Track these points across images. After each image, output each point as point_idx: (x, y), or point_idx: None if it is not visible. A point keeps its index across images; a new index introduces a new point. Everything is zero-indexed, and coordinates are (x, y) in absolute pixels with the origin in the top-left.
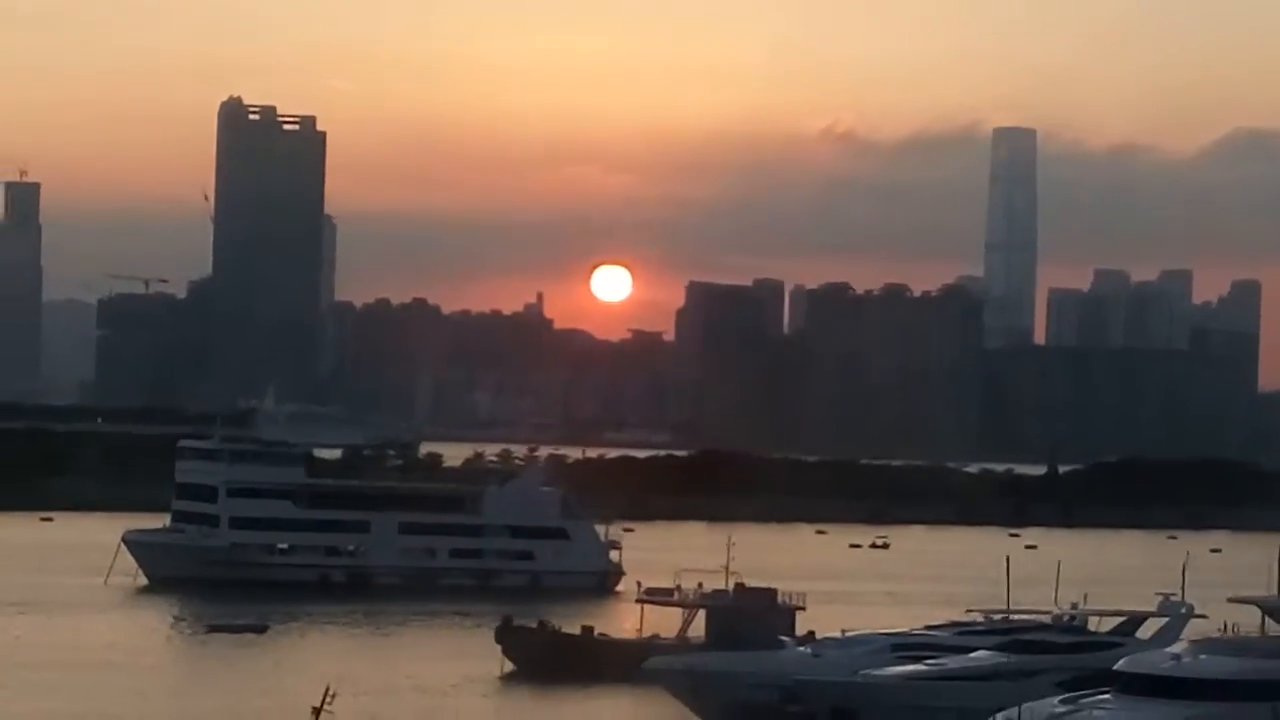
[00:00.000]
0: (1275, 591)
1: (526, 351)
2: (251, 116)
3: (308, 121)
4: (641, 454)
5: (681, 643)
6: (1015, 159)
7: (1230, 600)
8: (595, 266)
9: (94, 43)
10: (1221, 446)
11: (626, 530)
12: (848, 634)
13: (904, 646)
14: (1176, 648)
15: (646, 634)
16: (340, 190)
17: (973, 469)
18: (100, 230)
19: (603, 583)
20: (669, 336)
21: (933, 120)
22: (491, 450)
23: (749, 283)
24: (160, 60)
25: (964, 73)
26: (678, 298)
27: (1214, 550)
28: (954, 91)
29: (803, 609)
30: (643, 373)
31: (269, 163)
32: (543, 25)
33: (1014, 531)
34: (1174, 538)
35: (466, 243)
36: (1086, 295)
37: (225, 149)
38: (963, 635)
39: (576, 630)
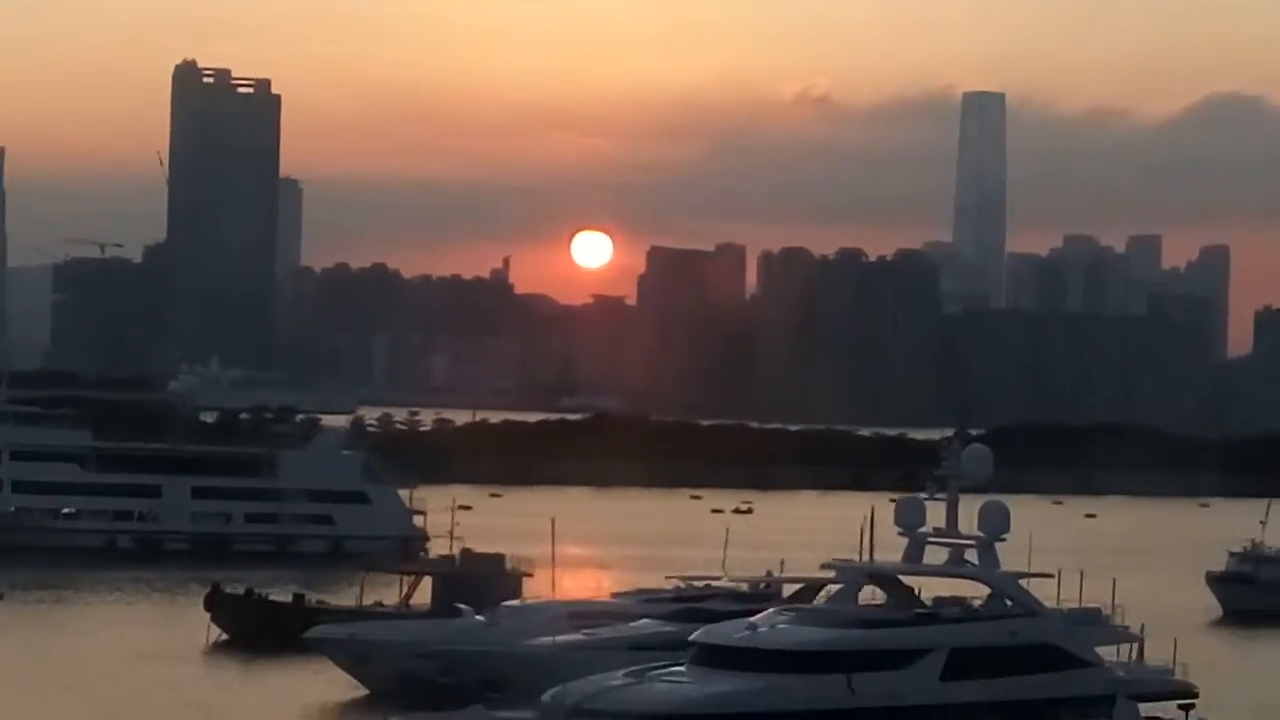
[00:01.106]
0: (902, 557)
1: (486, 317)
2: (205, 79)
3: (262, 84)
4: (533, 418)
5: (401, 609)
6: (984, 124)
7: (823, 567)
8: (571, 232)
9: (48, 7)
10: (1174, 412)
11: (494, 495)
12: (526, 602)
13: (579, 614)
14: (759, 617)
15: (368, 602)
16: (307, 154)
17: (866, 433)
18: (58, 195)
19: (405, 548)
20: (631, 301)
21: (908, 85)
22: (447, 414)
23: (711, 248)
24: (117, 24)
25: (940, 37)
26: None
27: (1089, 515)
28: (930, 56)
29: (530, 575)
30: (602, 338)
31: (223, 125)
32: None
33: (894, 497)
34: (1059, 503)
35: (436, 207)
36: (1045, 260)
37: (179, 112)
38: (645, 603)
39: (288, 598)
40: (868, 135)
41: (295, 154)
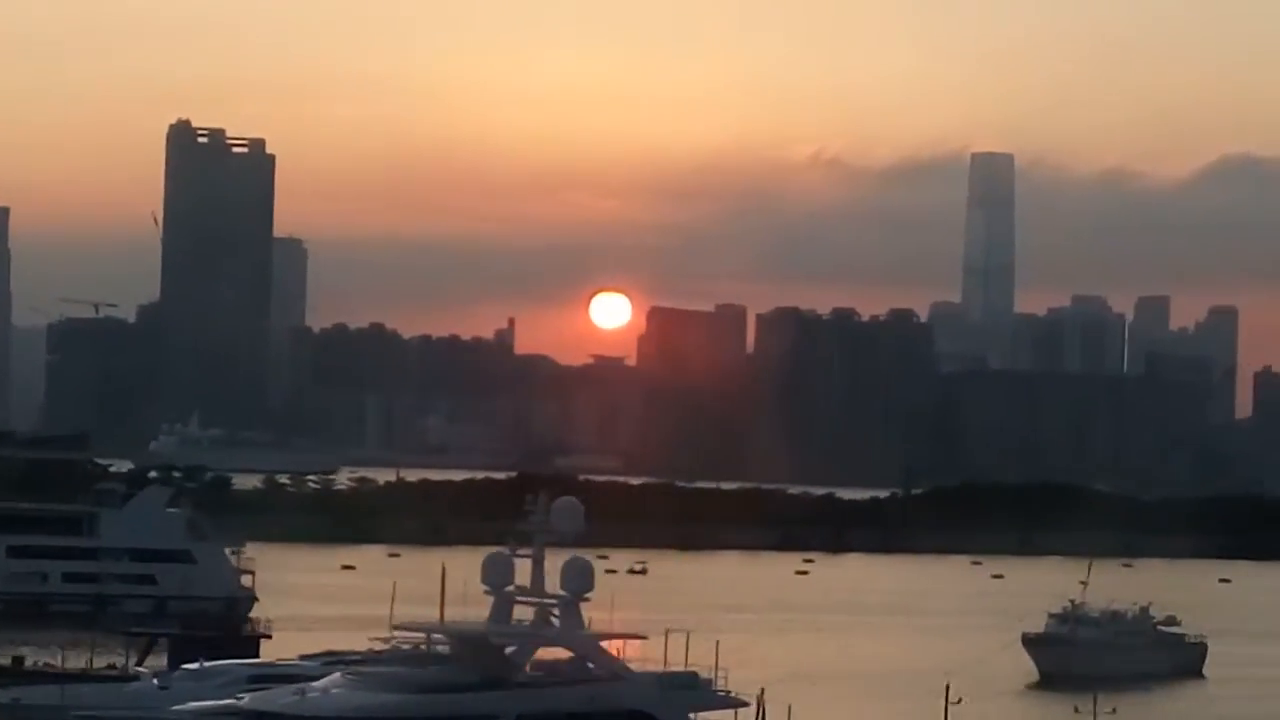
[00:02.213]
0: (489, 616)
1: (484, 378)
2: (200, 139)
3: (257, 144)
4: (459, 476)
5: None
6: (993, 185)
7: (395, 628)
8: (582, 293)
9: (46, 67)
10: (1167, 473)
11: (392, 555)
12: (206, 665)
13: (261, 678)
14: (322, 681)
15: (104, 664)
16: (313, 215)
17: (795, 491)
18: (56, 254)
19: (231, 609)
20: (631, 362)
21: (920, 146)
22: (449, 475)
23: (711, 308)
24: (113, 83)
25: (954, 100)
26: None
27: (996, 576)
28: (942, 118)
29: (268, 636)
30: (599, 398)
31: (217, 185)
32: (530, 50)
33: (809, 557)
34: (978, 563)
35: (443, 268)
36: (1043, 320)
37: (173, 171)
38: (327, 665)
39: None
40: (879, 197)
41: (299, 215)
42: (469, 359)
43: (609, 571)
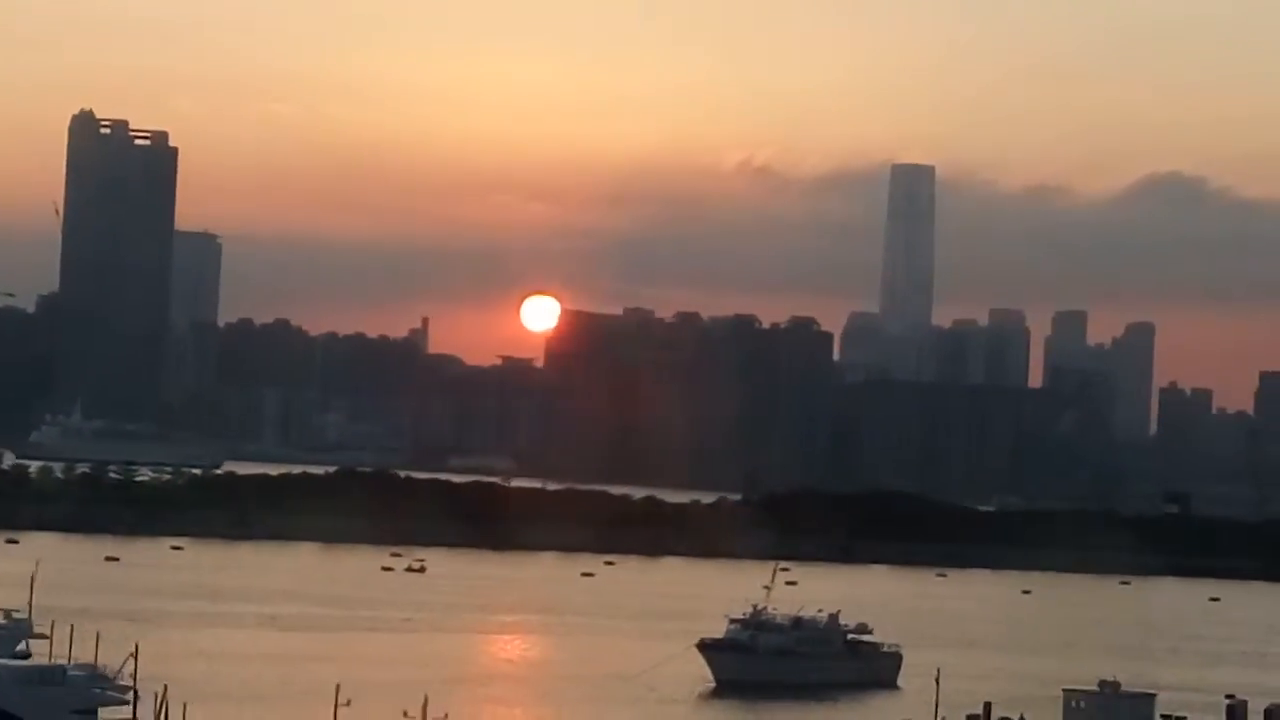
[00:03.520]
0: None
1: (389, 376)
2: (103, 130)
3: (160, 136)
4: (297, 470)
5: None
6: (913, 197)
7: None
8: (505, 295)
9: None
10: (1069, 487)
11: (174, 549)
12: None
13: None
14: None
15: None
16: (236, 210)
17: (617, 493)
18: None
19: None
20: (539, 364)
21: (850, 156)
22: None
23: (620, 311)
24: (16, 73)
25: (885, 110)
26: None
27: (790, 582)
28: (873, 128)
29: None
30: (500, 400)
31: (119, 177)
32: (464, 53)
33: (610, 559)
34: (785, 569)
35: (368, 267)
36: (946, 333)
37: (75, 162)
38: None
39: None
40: (805, 206)
41: (218, 209)
42: (374, 357)
43: (385, 569)
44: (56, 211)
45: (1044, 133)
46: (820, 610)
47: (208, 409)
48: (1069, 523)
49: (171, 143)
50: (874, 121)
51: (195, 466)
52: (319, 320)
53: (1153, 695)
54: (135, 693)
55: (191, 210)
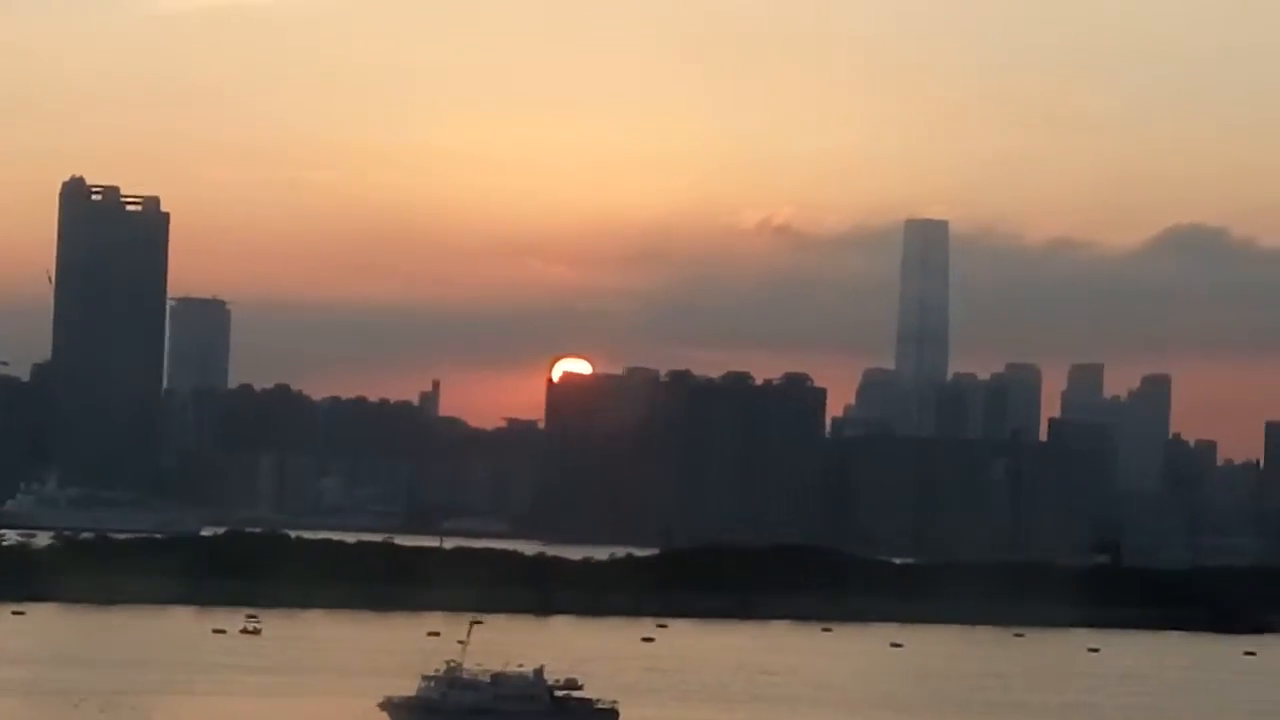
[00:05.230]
0: None
1: (390, 439)
2: (94, 196)
3: (151, 202)
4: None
5: None
6: (928, 252)
7: None
8: (544, 359)
9: None
10: (1064, 540)
11: (16, 613)
12: None
13: None
14: None
15: None
16: (252, 276)
17: (503, 548)
18: None
19: None
20: (542, 425)
21: (871, 214)
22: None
23: (621, 370)
24: (5, 140)
25: (906, 167)
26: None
27: (645, 639)
28: (895, 185)
29: None
30: (499, 461)
31: (111, 243)
32: (479, 115)
33: (478, 618)
34: (664, 626)
35: (389, 331)
36: (947, 385)
37: (66, 229)
38: None
39: None
40: (825, 263)
41: (231, 276)
42: (376, 420)
43: (217, 631)
44: (49, 279)
45: (1063, 185)
46: (521, 665)
47: (204, 475)
48: (984, 576)
49: (163, 208)
50: (892, 178)
51: (174, 533)
52: (326, 384)
53: None
54: None
55: (201, 277)
